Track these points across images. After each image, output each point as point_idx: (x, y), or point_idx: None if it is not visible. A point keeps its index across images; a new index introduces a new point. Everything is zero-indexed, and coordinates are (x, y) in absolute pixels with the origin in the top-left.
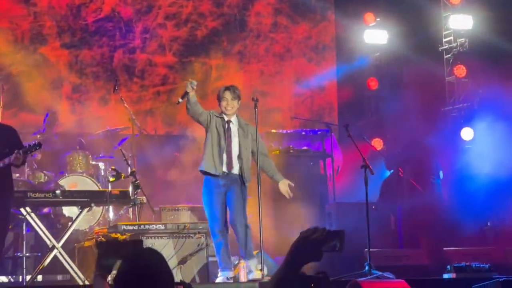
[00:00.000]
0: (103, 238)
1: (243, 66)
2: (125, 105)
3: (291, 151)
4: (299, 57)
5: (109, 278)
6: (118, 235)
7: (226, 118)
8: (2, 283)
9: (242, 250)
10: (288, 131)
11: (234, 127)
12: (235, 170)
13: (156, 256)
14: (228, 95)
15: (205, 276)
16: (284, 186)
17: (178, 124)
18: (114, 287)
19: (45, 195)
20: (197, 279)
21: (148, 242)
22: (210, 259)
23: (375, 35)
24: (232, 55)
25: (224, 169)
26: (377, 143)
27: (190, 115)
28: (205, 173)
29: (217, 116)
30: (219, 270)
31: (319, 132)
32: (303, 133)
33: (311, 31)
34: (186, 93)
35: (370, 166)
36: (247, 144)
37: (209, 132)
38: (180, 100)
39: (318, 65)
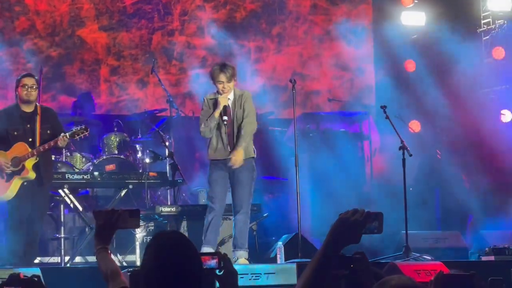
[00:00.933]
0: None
1: (282, 49)
2: (163, 86)
3: (329, 133)
4: (338, 40)
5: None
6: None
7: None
8: (41, 264)
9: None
10: (326, 113)
11: (230, 104)
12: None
13: (181, 238)
14: (223, 78)
15: (253, 257)
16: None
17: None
18: (141, 268)
19: (83, 176)
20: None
21: (186, 224)
22: (262, 240)
23: (413, 17)
24: (271, 38)
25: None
26: (415, 125)
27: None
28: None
29: (210, 99)
30: None
31: (356, 114)
32: (341, 115)
33: (351, 13)
34: (225, 107)
35: (408, 148)
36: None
37: None
38: (226, 117)
39: (358, 47)
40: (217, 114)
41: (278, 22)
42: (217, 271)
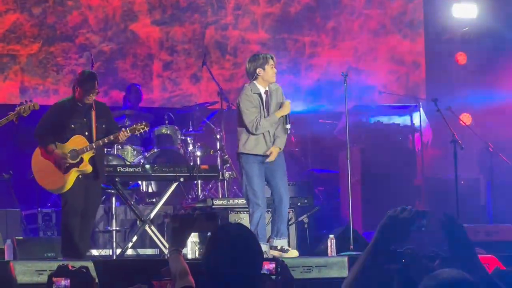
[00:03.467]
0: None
1: (336, 43)
2: (213, 78)
3: (380, 125)
4: (394, 34)
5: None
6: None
7: (263, 90)
8: (93, 256)
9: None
10: (377, 106)
11: (267, 96)
12: None
13: (245, 230)
14: (273, 62)
15: (304, 250)
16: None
17: None
18: (203, 261)
19: (134, 169)
20: None
21: (237, 217)
22: (314, 233)
23: (464, 9)
24: (326, 32)
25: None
26: (466, 118)
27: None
28: None
29: (254, 93)
30: None
31: (407, 107)
32: (392, 107)
33: (406, 7)
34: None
35: (460, 141)
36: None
37: None
38: (289, 126)
39: (414, 41)
40: (279, 115)
41: (332, 16)
42: (273, 276)
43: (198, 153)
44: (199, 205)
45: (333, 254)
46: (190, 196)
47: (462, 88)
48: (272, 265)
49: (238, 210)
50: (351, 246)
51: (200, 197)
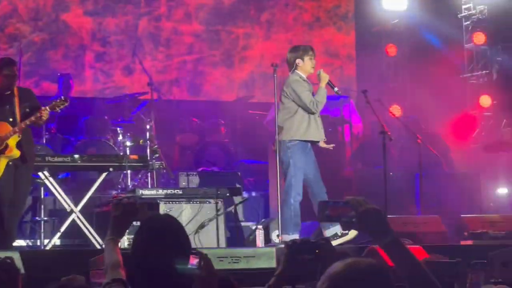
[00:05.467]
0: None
1: (270, 36)
2: (144, 69)
3: None
4: (328, 26)
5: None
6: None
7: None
8: (20, 247)
9: None
10: None
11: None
12: None
13: (173, 221)
14: (313, 53)
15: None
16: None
17: (205, 94)
18: (132, 252)
19: (63, 159)
20: (219, 244)
21: (166, 207)
22: (242, 224)
23: (394, 2)
24: (260, 24)
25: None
26: (396, 110)
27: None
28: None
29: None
30: None
31: (337, 98)
32: None
33: (341, 0)
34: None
35: (389, 132)
36: None
37: None
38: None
39: (348, 34)
40: (323, 84)
41: (267, 8)
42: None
43: (128, 143)
44: (128, 195)
45: (261, 245)
46: (119, 186)
47: (392, 80)
48: (196, 260)
49: (166, 200)
50: (280, 237)
51: (129, 187)
